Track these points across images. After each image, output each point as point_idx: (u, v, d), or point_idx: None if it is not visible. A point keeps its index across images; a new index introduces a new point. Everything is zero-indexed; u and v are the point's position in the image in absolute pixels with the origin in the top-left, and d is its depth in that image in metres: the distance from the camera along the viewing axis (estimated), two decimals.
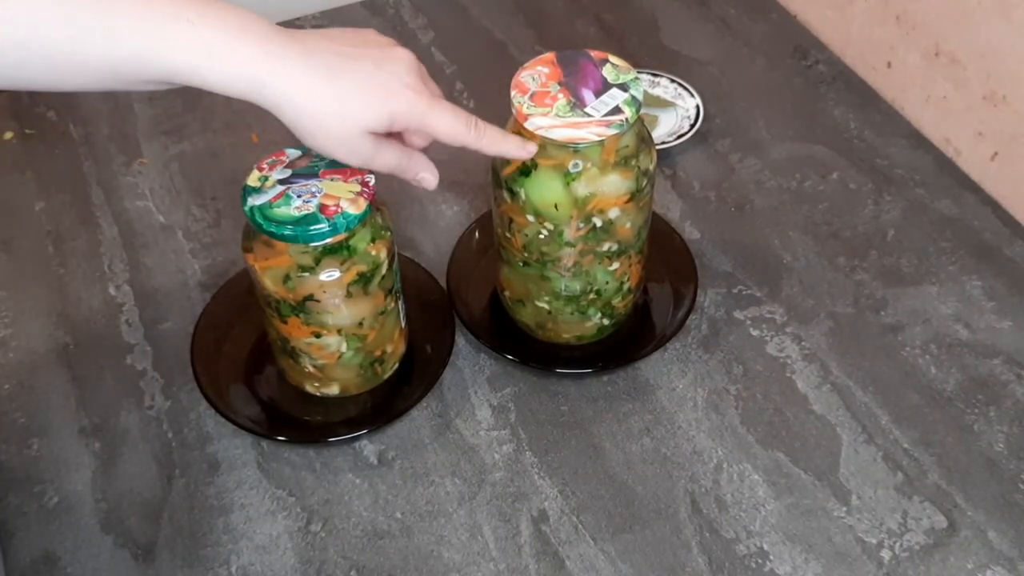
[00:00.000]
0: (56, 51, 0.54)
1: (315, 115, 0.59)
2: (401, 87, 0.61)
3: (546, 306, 0.75)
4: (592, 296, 0.74)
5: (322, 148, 0.61)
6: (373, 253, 0.68)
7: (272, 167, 0.67)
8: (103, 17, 0.54)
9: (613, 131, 0.65)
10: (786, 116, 0.99)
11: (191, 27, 0.55)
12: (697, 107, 0.97)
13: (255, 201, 0.65)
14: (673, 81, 1.00)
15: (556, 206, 0.68)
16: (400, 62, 0.62)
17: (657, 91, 0.99)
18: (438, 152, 0.97)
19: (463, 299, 0.80)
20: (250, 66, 0.57)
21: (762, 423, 0.75)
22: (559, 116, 0.66)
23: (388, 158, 0.63)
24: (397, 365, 0.77)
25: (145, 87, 0.58)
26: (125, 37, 0.54)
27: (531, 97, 0.67)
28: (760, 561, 0.67)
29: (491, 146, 0.65)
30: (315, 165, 0.67)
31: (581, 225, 0.69)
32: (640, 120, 0.68)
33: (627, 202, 0.69)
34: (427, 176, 0.66)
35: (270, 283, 0.67)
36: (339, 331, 0.70)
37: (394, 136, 0.64)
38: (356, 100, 0.59)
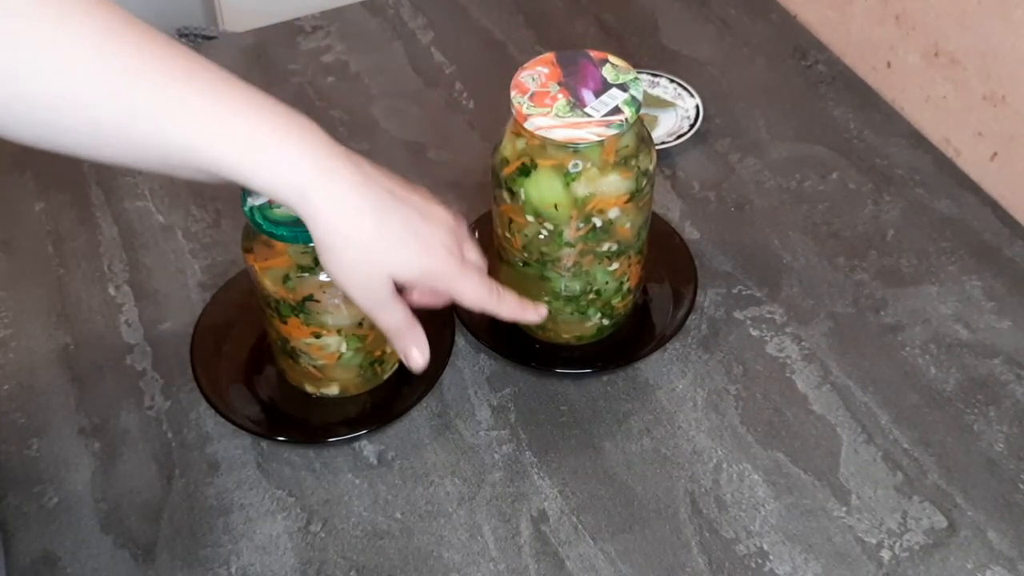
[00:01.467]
0: (109, 127, 0.53)
1: (349, 245, 0.57)
2: (439, 246, 0.60)
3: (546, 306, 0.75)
4: (592, 296, 0.74)
5: (340, 276, 0.59)
6: None
7: None
8: (160, 102, 0.53)
9: (613, 131, 0.65)
10: (786, 116, 0.99)
11: (245, 125, 0.54)
12: (697, 107, 0.97)
13: (255, 201, 0.65)
14: (673, 81, 1.00)
15: (556, 206, 0.68)
16: (442, 220, 0.61)
17: (657, 91, 0.99)
18: (438, 151, 0.97)
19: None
20: (300, 175, 0.55)
21: (762, 423, 0.75)
22: (559, 116, 0.66)
23: (395, 315, 0.62)
24: (397, 365, 0.77)
25: (195, 176, 0.56)
26: (177, 123, 0.53)
27: (531, 97, 0.67)
28: (760, 561, 0.67)
29: (508, 312, 0.66)
30: None
31: (581, 225, 0.69)
32: (640, 120, 0.68)
33: (627, 202, 0.69)
34: (417, 357, 0.64)
35: (270, 283, 0.67)
36: (339, 331, 0.70)
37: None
38: (395, 243, 0.58)
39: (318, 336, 0.70)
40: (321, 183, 0.55)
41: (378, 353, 0.74)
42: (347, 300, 0.68)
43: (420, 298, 0.64)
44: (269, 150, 0.54)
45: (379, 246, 0.58)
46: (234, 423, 0.72)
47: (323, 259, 0.58)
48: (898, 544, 0.68)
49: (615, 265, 0.73)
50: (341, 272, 0.58)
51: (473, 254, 0.64)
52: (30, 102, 0.51)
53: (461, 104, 1.01)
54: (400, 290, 0.61)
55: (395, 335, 0.63)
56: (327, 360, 0.72)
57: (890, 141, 0.96)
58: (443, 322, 0.78)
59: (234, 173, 0.54)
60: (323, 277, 0.66)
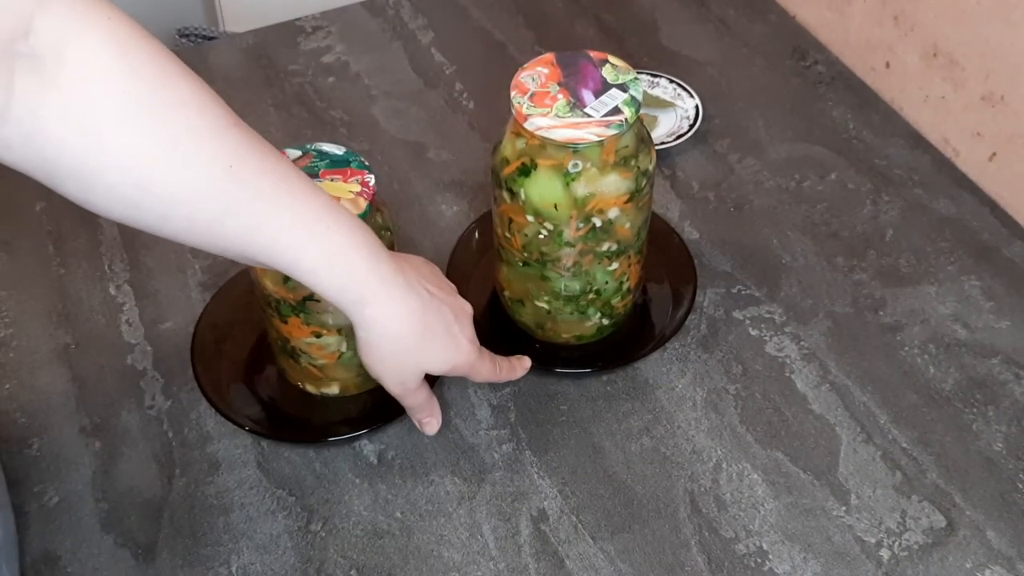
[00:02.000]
0: (202, 225, 0.56)
1: (398, 343, 0.63)
2: (467, 343, 0.66)
3: (546, 306, 0.75)
4: (591, 296, 0.74)
5: (379, 368, 0.65)
6: None
7: None
8: (253, 207, 0.56)
9: (612, 131, 0.65)
10: (785, 116, 0.99)
11: (325, 235, 0.58)
12: (696, 107, 0.97)
13: None
14: (672, 81, 1.00)
15: (556, 206, 0.68)
16: (467, 315, 0.67)
17: (656, 91, 0.99)
18: (438, 151, 0.97)
19: (463, 299, 0.80)
20: (361, 285, 0.60)
21: (761, 423, 0.75)
22: (559, 116, 0.66)
23: (420, 397, 0.69)
24: None
25: (262, 266, 0.60)
26: (265, 228, 0.57)
27: (531, 97, 0.67)
28: (759, 560, 0.67)
29: (509, 375, 0.73)
30: (315, 165, 0.68)
31: (581, 225, 0.69)
32: (639, 120, 0.69)
33: (626, 202, 0.69)
34: (432, 423, 0.71)
35: (270, 283, 0.68)
36: (339, 331, 0.70)
37: None
38: (436, 345, 0.64)
39: (318, 336, 0.70)
40: (378, 292, 0.60)
41: None
42: None
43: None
44: (339, 262, 0.59)
45: (422, 347, 0.64)
46: (234, 422, 0.73)
47: (365, 355, 0.64)
48: (897, 543, 0.68)
49: (615, 265, 0.73)
50: (380, 366, 0.65)
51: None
52: (144, 190, 0.53)
53: (461, 104, 1.01)
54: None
55: (416, 411, 0.70)
56: (327, 360, 0.72)
57: (889, 141, 0.96)
58: None
59: (305, 277, 0.59)
60: None
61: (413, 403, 0.69)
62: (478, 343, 0.68)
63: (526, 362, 0.74)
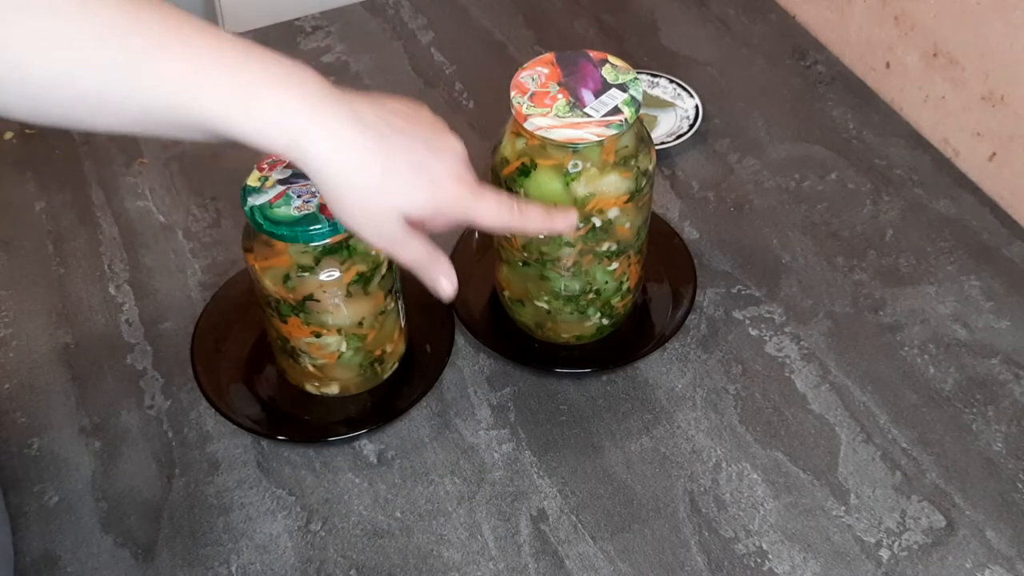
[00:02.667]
0: (93, 93, 0.52)
1: (355, 185, 0.55)
2: (448, 177, 0.58)
3: (546, 306, 0.75)
4: (591, 296, 0.74)
5: (350, 220, 0.57)
6: (373, 253, 0.68)
7: (272, 167, 0.67)
8: (143, 61, 0.52)
9: (612, 131, 0.65)
10: (785, 116, 0.99)
11: (229, 74, 0.52)
12: (696, 107, 0.97)
13: (255, 201, 0.65)
14: (672, 81, 1.00)
15: (556, 206, 0.68)
16: (450, 150, 0.59)
17: (656, 91, 0.99)
18: None
19: (463, 299, 0.80)
20: (293, 120, 0.53)
21: (761, 422, 0.75)
22: (559, 116, 0.66)
23: (413, 251, 0.59)
24: (397, 365, 0.77)
25: (191, 136, 0.55)
26: (162, 82, 0.52)
27: (531, 97, 0.67)
28: (759, 560, 0.67)
29: (535, 225, 0.63)
30: None
31: (580, 225, 0.69)
32: (639, 120, 0.69)
33: (626, 202, 0.69)
34: (445, 284, 0.61)
35: (270, 283, 0.68)
36: (339, 331, 0.70)
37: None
38: (403, 181, 0.56)
39: (318, 335, 0.70)
40: (318, 129, 0.53)
41: (378, 352, 0.74)
42: (347, 300, 0.68)
43: (438, 226, 0.61)
44: (261, 99, 0.52)
45: (386, 186, 0.56)
46: (234, 422, 0.73)
47: (330, 205, 0.57)
48: (897, 543, 0.68)
49: (615, 265, 0.73)
50: (350, 217, 0.57)
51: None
52: (19, 74, 0.50)
53: (461, 104, 1.01)
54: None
55: (419, 269, 0.61)
56: (327, 359, 0.72)
57: (889, 141, 0.96)
58: (443, 322, 0.78)
59: (226, 126, 0.53)
60: (323, 277, 0.66)
61: (409, 259, 0.60)
62: (472, 181, 0.59)
63: (572, 215, 0.64)
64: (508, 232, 0.62)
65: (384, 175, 0.55)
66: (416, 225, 0.59)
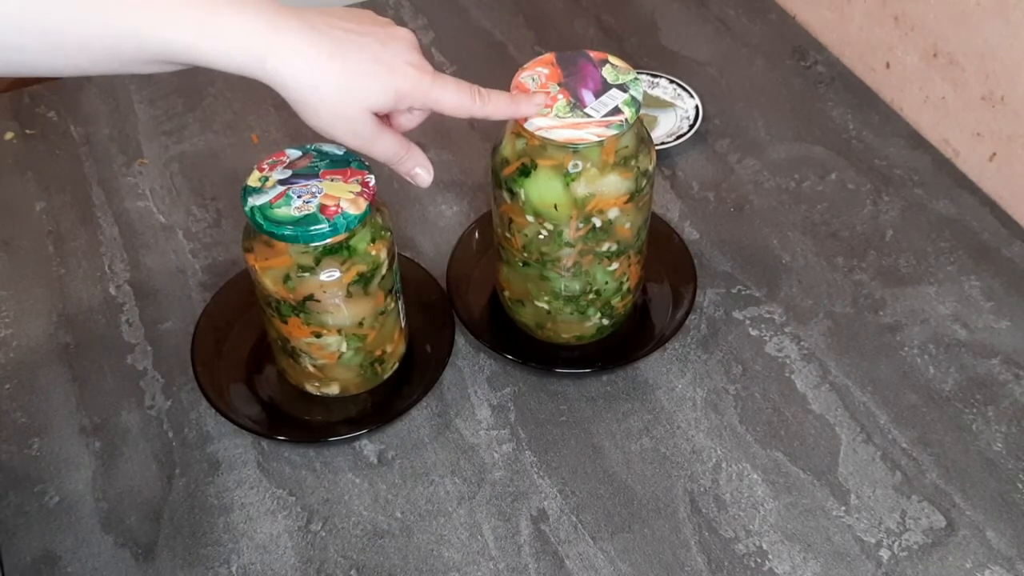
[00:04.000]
0: (54, 32, 0.53)
1: (320, 91, 0.58)
2: (405, 65, 0.60)
3: (546, 306, 0.75)
4: (591, 296, 0.74)
5: (324, 125, 0.60)
6: (373, 253, 0.68)
7: (272, 167, 0.67)
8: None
9: (613, 132, 0.65)
10: (785, 116, 0.99)
11: (188, 1, 0.54)
12: (696, 108, 0.97)
13: (255, 201, 0.65)
14: (672, 82, 1.00)
15: (556, 206, 0.68)
16: (402, 40, 0.62)
17: (656, 92, 0.99)
18: (438, 151, 0.97)
19: (463, 299, 0.81)
20: (251, 39, 0.56)
21: (761, 423, 0.75)
22: (559, 117, 0.66)
23: (387, 145, 0.63)
24: (397, 365, 0.77)
25: (151, 68, 0.57)
26: (121, 13, 0.54)
27: None
28: (759, 560, 0.67)
29: (498, 111, 0.65)
30: (315, 165, 0.68)
31: (581, 225, 0.69)
32: (639, 121, 0.69)
33: (626, 202, 0.69)
34: (421, 173, 0.66)
35: (270, 283, 0.68)
36: (339, 331, 0.70)
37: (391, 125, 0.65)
38: (362, 77, 0.59)
39: (318, 336, 0.70)
40: (276, 41, 0.56)
41: (378, 353, 0.74)
42: (347, 300, 0.68)
43: (408, 123, 0.66)
44: (221, 24, 0.55)
45: (348, 84, 0.58)
46: (234, 422, 0.73)
47: (302, 116, 0.59)
48: (897, 543, 0.68)
49: (615, 265, 0.73)
50: (322, 121, 0.59)
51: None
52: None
53: None
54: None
55: (395, 162, 0.65)
56: (327, 360, 0.72)
57: (889, 141, 0.96)
58: (443, 322, 0.78)
59: (188, 52, 0.55)
60: (323, 277, 0.66)
61: (384, 153, 0.63)
62: (429, 69, 0.62)
63: (539, 98, 0.66)
64: (469, 116, 0.64)
65: (346, 76, 0.58)
66: (387, 122, 0.63)
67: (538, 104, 0.66)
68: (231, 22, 0.55)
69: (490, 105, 0.64)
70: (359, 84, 0.59)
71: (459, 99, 0.63)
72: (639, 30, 1.09)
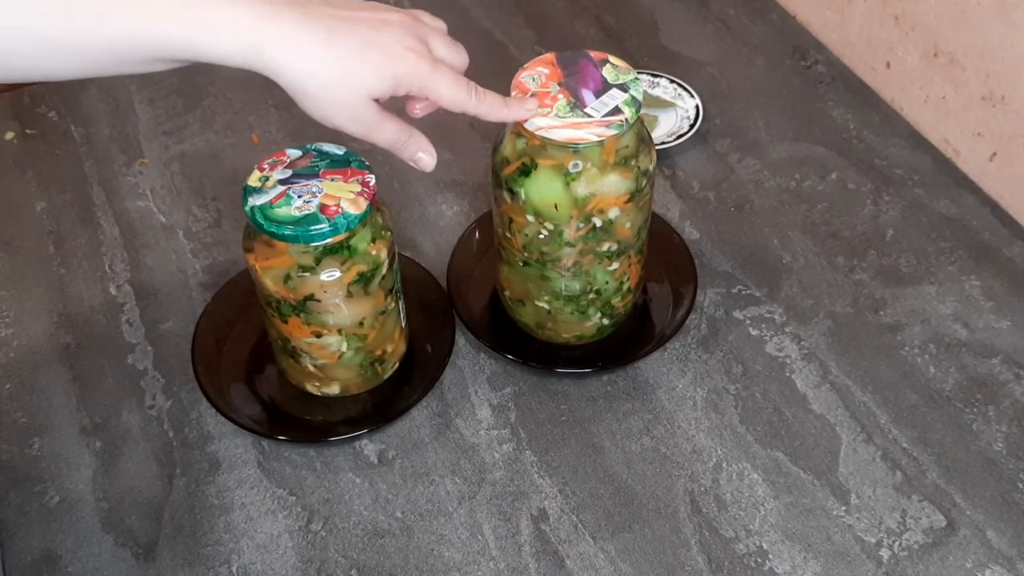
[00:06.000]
0: (50, 36, 0.53)
1: (318, 79, 0.58)
2: (402, 50, 0.60)
3: (546, 306, 0.76)
4: (592, 296, 0.74)
5: (324, 114, 0.60)
6: (373, 253, 0.68)
7: (273, 167, 0.67)
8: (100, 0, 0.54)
9: (613, 131, 0.65)
10: (785, 116, 0.99)
11: None
12: (696, 107, 0.97)
13: (256, 201, 0.65)
14: (672, 82, 1.00)
15: (556, 206, 0.68)
16: (398, 25, 0.61)
17: (657, 91, 0.99)
18: (438, 151, 0.97)
19: (463, 299, 0.81)
20: (248, 33, 0.56)
21: (761, 422, 0.75)
22: (559, 116, 0.66)
23: (389, 130, 0.63)
24: (397, 365, 0.77)
25: (149, 67, 0.57)
26: (119, 15, 0.54)
27: (531, 97, 0.67)
28: (759, 560, 0.67)
29: (491, 112, 0.65)
30: (315, 165, 0.68)
31: (581, 225, 0.69)
32: (640, 120, 0.69)
33: (627, 202, 0.69)
34: (424, 157, 0.66)
35: (271, 283, 0.68)
36: (339, 331, 0.70)
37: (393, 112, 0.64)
38: (358, 64, 0.59)
39: (319, 336, 0.70)
40: (271, 34, 0.56)
41: (379, 352, 0.74)
42: (347, 300, 0.68)
43: (413, 107, 0.65)
44: (218, 17, 0.55)
45: (348, 72, 0.58)
46: (235, 422, 0.73)
47: (302, 105, 0.59)
48: (897, 543, 0.68)
49: (615, 265, 0.73)
50: (322, 110, 0.59)
51: (443, 50, 0.64)
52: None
53: None
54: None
55: (398, 148, 0.64)
56: (328, 359, 0.72)
57: (889, 141, 0.96)
58: (443, 322, 0.79)
59: (186, 48, 0.55)
60: (324, 277, 0.66)
61: (387, 139, 0.63)
62: (428, 54, 0.61)
63: (530, 103, 0.66)
64: (463, 111, 0.64)
65: (343, 63, 0.58)
66: (388, 108, 0.62)
67: (529, 109, 0.66)
68: (226, 14, 0.55)
69: (484, 104, 0.64)
70: (357, 71, 0.59)
71: (455, 91, 0.63)
72: (639, 30, 1.09)
